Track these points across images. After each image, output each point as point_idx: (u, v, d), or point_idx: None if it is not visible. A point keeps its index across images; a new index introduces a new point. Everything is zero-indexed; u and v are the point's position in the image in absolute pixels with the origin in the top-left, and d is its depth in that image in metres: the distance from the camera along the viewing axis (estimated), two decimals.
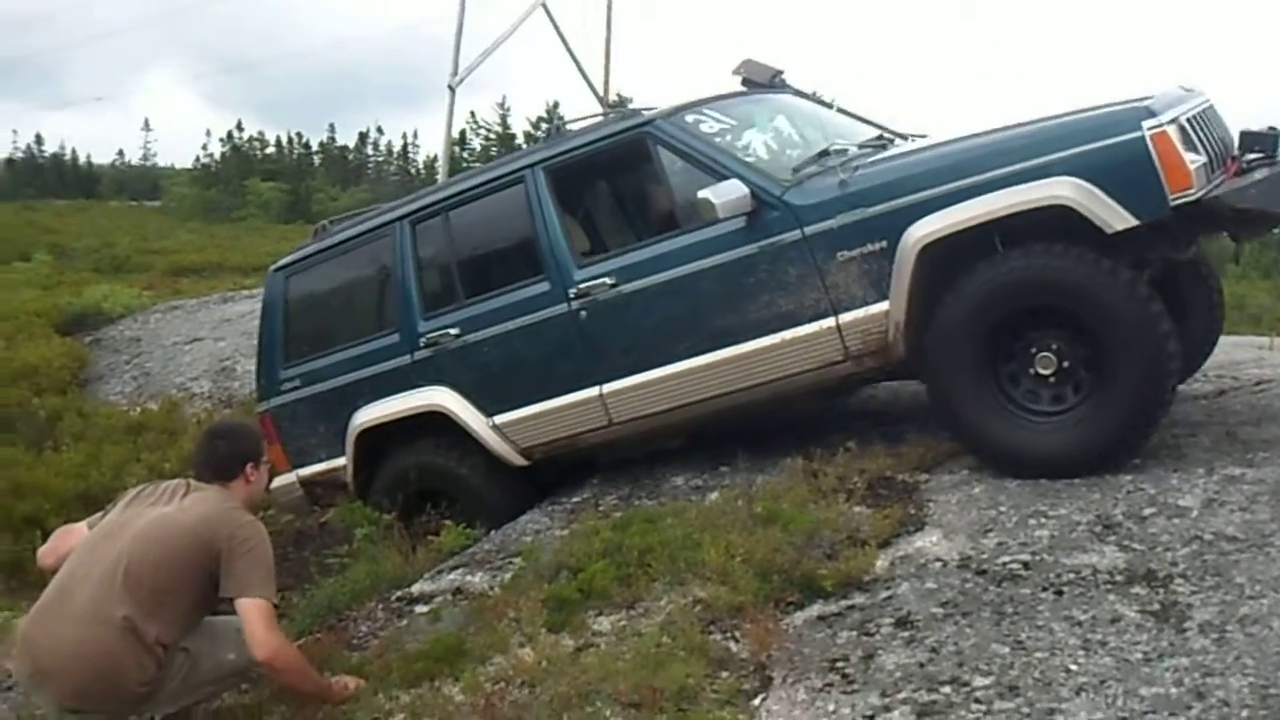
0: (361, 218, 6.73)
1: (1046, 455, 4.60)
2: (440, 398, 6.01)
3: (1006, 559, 4.01)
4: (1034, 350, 4.66)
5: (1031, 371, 4.68)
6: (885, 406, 6.09)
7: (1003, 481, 4.62)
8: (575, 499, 5.81)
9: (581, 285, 5.54)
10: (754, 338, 5.13)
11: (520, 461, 5.93)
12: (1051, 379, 4.64)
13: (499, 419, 5.88)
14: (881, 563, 4.23)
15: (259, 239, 31.95)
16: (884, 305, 4.83)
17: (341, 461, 6.39)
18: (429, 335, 6.04)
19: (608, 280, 5.47)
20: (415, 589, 5.12)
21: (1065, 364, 4.62)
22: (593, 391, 5.58)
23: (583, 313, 5.53)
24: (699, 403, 5.36)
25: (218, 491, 4.21)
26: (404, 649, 4.43)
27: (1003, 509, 4.40)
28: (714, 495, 5.18)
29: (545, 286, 5.67)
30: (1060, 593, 3.71)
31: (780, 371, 5.13)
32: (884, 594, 4.01)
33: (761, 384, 5.19)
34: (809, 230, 4.96)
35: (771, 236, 5.05)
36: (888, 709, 3.31)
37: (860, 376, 5.14)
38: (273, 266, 7.02)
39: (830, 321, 4.96)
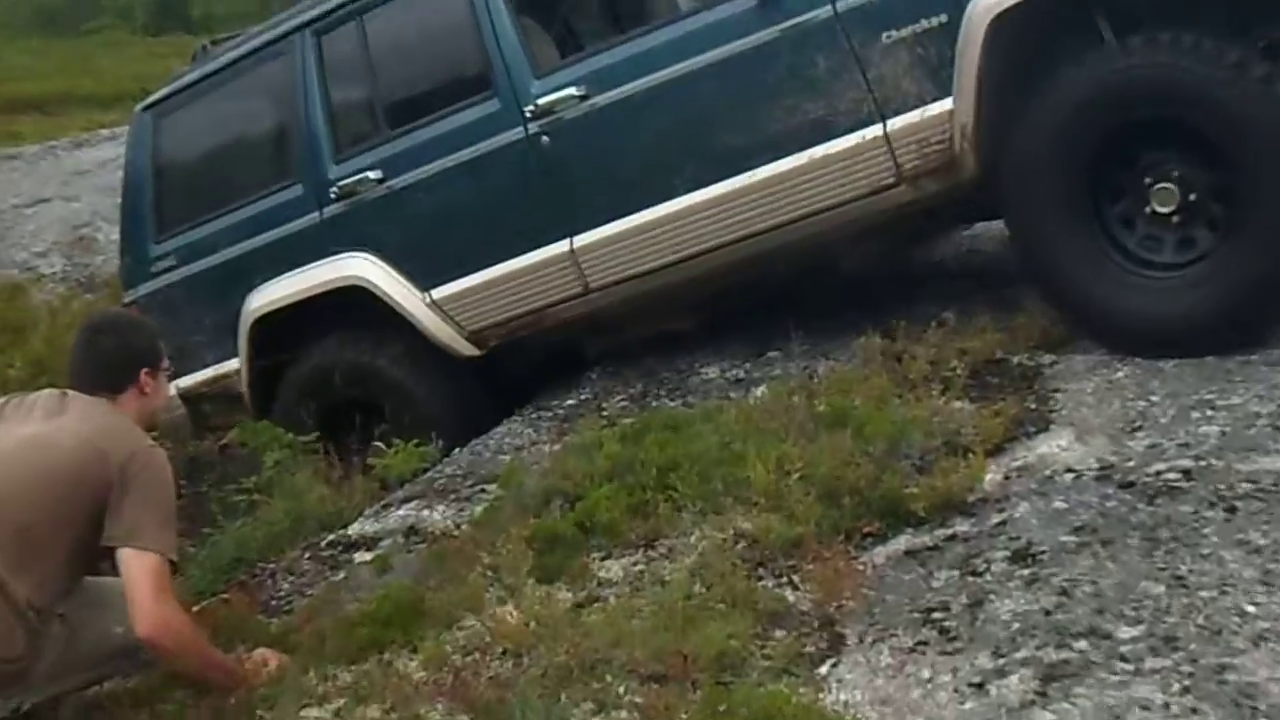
0: (252, 34, 6.73)
1: (1168, 324, 4.60)
2: (360, 268, 6.08)
3: (1161, 467, 4.00)
4: (1149, 181, 4.62)
5: (1148, 210, 4.65)
6: (992, 262, 6.07)
7: (1155, 362, 4.59)
8: (569, 402, 5.87)
9: (542, 101, 5.57)
10: (775, 159, 5.18)
11: (470, 351, 6.01)
12: (1175, 218, 4.61)
13: (439, 293, 5.95)
14: (992, 477, 4.22)
15: (119, 58, 31.61)
16: (946, 104, 4.86)
17: (234, 365, 6.47)
18: (343, 183, 6.11)
19: (576, 91, 5.51)
20: (353, 530, 5.18)
21: (1192, 197, 4.58)
22: (561, 246, 5.65)
23: (544, 137, 5.57)
24: (705, 256, 5.41)
25: (104, 405, 4.23)
26: (342, 611, 4.46)
27: (1155, 399, 4.38)
28: (760, 390, 5.20)
29: (494, 106, 5.71)
30: (1233, 510, 3.71)
31: (814, 204, 5.16)
32: (996, 519, 4.01)
33: (789, 224, 5.23)
34: (842, 5, 4.96)
35: (792, 17, 5.05)
36: (1003, 673, 3.33)
37: (922, 207, 5.16)
38: (138, 106, 7.05)
39: (876, 130, 5.00)
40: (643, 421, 5.13)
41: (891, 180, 5.05)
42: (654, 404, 5.52)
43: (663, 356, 5.90)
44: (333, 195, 6.10)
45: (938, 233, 6.16)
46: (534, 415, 5.86)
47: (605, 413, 5.59)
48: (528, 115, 5.59)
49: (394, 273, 6.00)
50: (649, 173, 5.40)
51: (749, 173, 5.22)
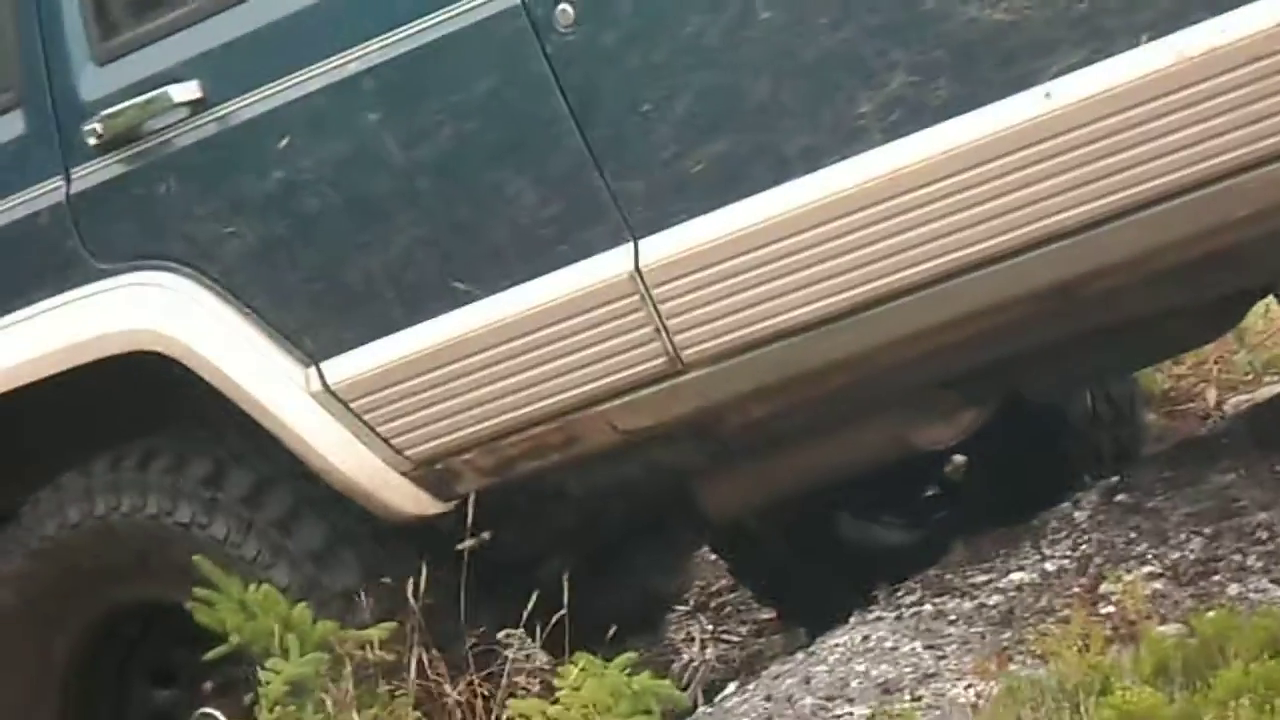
0: None
1: None
2: (155, 311, 3.40)
3: None
4: None
5: None
6: None
7: None
8: (1015, 574, 3.30)
9: None
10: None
11: (415, 506, 3.43)
12: None
13: (340, 370, 3.36)
14: None
15: None
16: None
17: None
18: (112, 111, 3.36)
19: None
20: None
21: None
22: (616, 259, 3.14)
23: (564, 30, 3.05)
24: (974, 280, 2.87)
25: None
26: None
27: None
28: None
29: None
30: None
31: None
32: None
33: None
34: None
35: None
36: None
37: None
38: None
39: None
40: (1211, 638, 2.48)
41: None
42: (1231, 586, 2.90)
43: None
44: (91, 136, 3.36)
45: None
46: (915, 601, 3.33)
47: (1105, 598, 2.99)
48: None
49: (235, 321, 3.35)
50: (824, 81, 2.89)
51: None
